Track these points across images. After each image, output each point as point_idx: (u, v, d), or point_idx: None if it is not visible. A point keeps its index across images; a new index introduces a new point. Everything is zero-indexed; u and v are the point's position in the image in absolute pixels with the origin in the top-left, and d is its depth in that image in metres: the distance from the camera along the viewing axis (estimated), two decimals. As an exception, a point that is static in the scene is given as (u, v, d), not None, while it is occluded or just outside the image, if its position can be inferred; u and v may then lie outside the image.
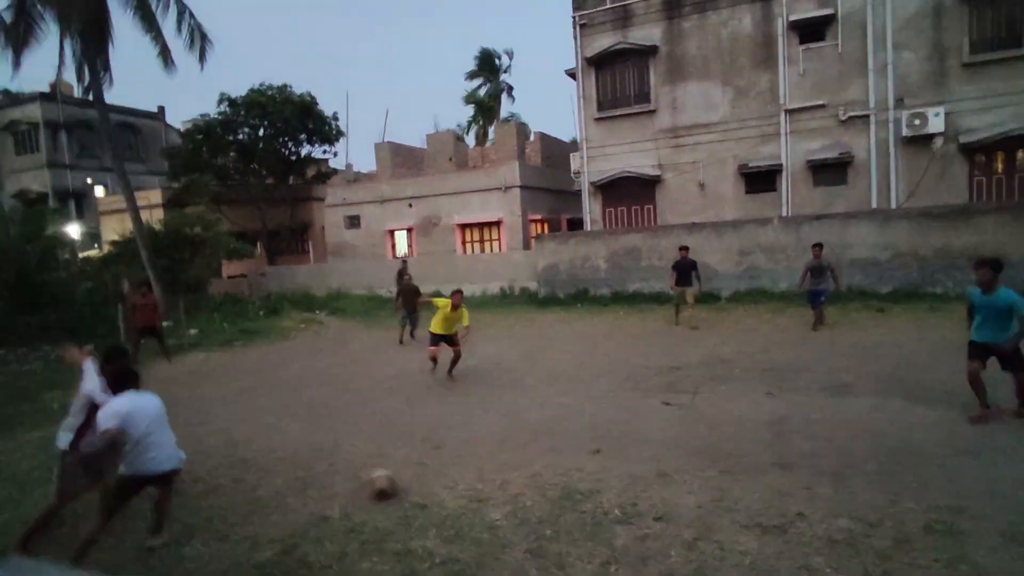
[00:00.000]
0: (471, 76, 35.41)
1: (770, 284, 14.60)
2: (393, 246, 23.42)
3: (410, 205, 22.52)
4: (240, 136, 24.88)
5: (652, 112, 17.72)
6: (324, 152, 27.16)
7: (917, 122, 14.59)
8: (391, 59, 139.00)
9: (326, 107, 26.00)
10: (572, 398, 7.45)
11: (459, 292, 8.67)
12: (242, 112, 24.20)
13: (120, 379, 4.11)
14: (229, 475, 5.43)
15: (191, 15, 16.53)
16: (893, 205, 15.04)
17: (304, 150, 26.43)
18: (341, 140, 26.82)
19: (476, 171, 22.58)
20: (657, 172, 17.68)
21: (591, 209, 18.77)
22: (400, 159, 25.45)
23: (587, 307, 15.56)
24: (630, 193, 18.26)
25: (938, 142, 14.71)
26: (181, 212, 21.27)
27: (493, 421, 6.68)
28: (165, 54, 16.40)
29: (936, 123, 14.43)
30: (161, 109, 35.20)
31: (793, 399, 6.76)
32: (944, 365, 7.59)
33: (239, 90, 25.09)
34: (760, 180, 16.72)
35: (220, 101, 24.27)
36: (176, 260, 18.96)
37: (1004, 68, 14.21)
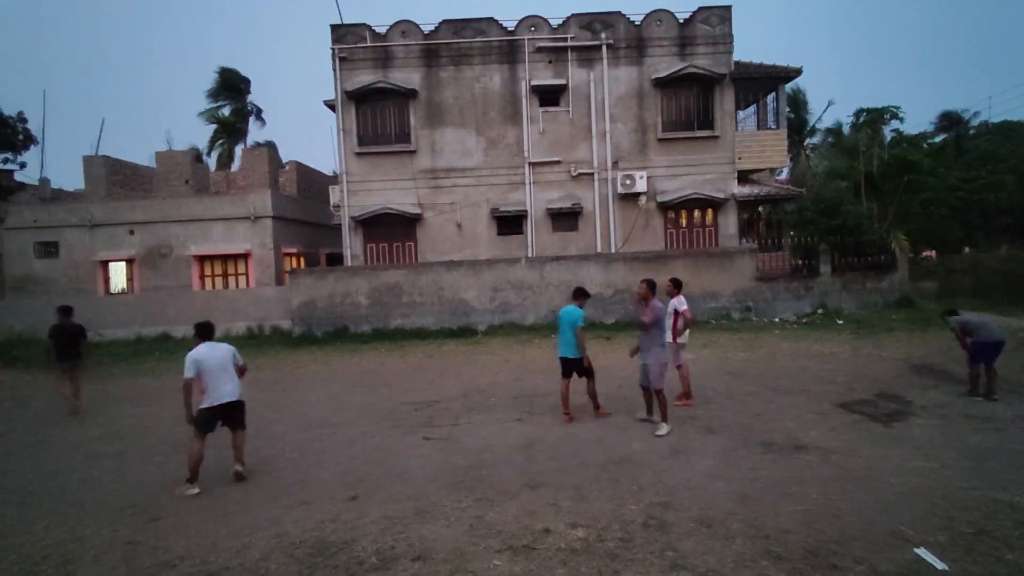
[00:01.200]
0: (212, 95, 32.01)
1: (519, 318, 15.95)
2: (107, 280, 19.47)
3: (131, 232, 19.09)
4: None
5: (413, 152, 18.22)
6: (5, 161, 21.45)
7: (628, 182, 17.73)
8: (111, 63, 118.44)
9: (11, 107, 20.71)
10: (327, 442, 6.95)
11: None
12: None
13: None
14: None
15: None
16: (613, 250, 17.87)
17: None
18: (32, 148, 21.53)
19: (220, 197, 20.26)
20: (418, 210, 18.13)
21: (352, 244, 18.31)
22: (120, 178, 21.50)
23: (347, 345, 14.93)
24: (392, 230, 18.34)
25: (643, 199, 18.08)
26: None
27: (230, 480, 5.83)
28: None
29: (641, 184, 17.73)
30: None
31: (541, 422, 7.36)
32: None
33: None
34: (510, 223, 18.35)
35: None
36: None
37: (685, 144, 18.22)
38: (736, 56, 18.31)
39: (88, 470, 6.37)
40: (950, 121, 38.34)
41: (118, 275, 19.63)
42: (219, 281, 19.53)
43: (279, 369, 12.34)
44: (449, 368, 11.68)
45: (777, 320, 15.58)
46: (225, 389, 5.75)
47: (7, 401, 10.50)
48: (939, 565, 3.65)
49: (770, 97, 20.06)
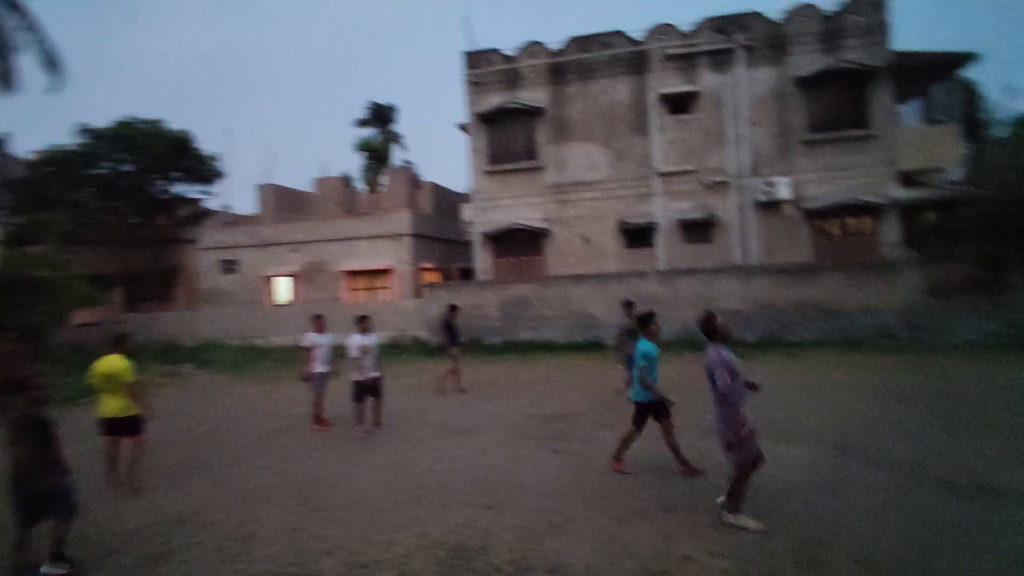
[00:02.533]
0: (361, 124, 35.31)
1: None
2: (272, 292, 22.06)
3: (294, 250, 21.48)
4: (101, 170, 22.54)
5: (540, 168, 18.57)
6: (201, 192, 25.33)
7: (769, 189, 16.55)
8: (275, 102, 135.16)
9: (204, 148, 24.44)
10: (463, 450, 7.22)
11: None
12: (105, 145, 22.02)
13: None
14: (54, 559, 4.57)
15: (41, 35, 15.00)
16: (752, 262, 16.74)
17: (176, 189, 24.47)
18: (219, 181, 25.23)
19: (367, 217, 22.15)
20: (545, 225, 18.40)
21: (482, 259, 19.02)
22: (284, 202, 24.39)
23: (478, 356, 15.47)
24: (520, 244, 18.78)
25: (786, 208, 16.75)
26: (23, 251, 18.57)
27: (379, 477, 6.28)
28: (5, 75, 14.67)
29: (784, 191, 16.46)
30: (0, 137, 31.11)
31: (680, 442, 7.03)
32: (806, 407, 8.38)
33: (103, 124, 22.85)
34: (638, 236, 17.94)
35: (80, 131, 21.95)
36: (14, 305, 16.37)
37: (835, 146, 16.65)
38: (894, 45, 16.42)
39: (263, 460, 7.19)
40: None
41: (283, 289, 22.15)
42: (365, 294, 21.27)
43: (419, 377, 13.09)
44: (577, 381, 11.63)
45: (955, 341, 13.55)
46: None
47: (198, 394, 12.25)
48: None
49: (939, 88, 17.71)
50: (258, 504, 5.63)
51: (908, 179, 16.61)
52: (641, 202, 17.90)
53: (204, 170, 24.34)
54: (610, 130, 18.18)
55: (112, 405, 6.16)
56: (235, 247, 22.20)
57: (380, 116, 35.26)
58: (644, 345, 5.95)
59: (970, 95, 27.23)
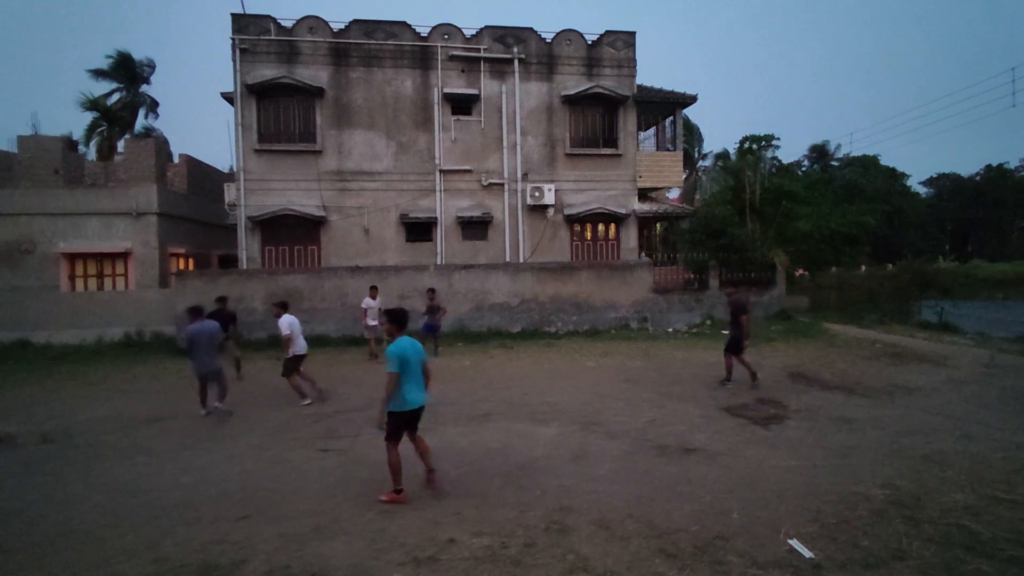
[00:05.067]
0: (98, 74, 28.98)
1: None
2: (-50, 278, 16.96)
3: (-16, 224, 16.80)
4: None
5: (318, 152, 17.55)
6: None
7: (537, 194, 18.15)
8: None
9: None
10: (212, 457, 6.46)
11: None
12: None
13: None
14: None
15: None
16: (521, 260, 18.17)
17: None
18: None
19: (97, 190, 18.32)
20: (322, 213, 17.46)
21: (248, 246, 17.26)
22: (-30, 162, 18.88)
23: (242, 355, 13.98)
24: (293, 232, 17.50)
25: (551, 212, 18.57)
26: None
27: (99, 500, 5.27)
28: None
29: (549, 196, 18.21)
30: None
31: (444, 431, 7.29)
32: (558, 390, 9.39)
33: None
34: (419, 230, 18.14)
35: None
36: None
37: (591, 161, 18.96)
38: (639, 80, 19.37)
39: None
40: (819, 152, 42.85)
41: (-36, 273, 17.16)
42: (93, 282, 17.63)
43: (158, 381, 11.33)
44: (348, 376, 11.29)
45: (671, 330, 16.54)
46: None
47: None
48: (807, 554, 4.01)
49: (668, 121, 21.40)
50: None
51: (643, 194, 19.74)
52: (423, 197, 18.10)
53: None
54: (394, 122, 17.99)
55: None
56: None
57: (127, 70, 29.27)
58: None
59: (688, 129, 33.47)
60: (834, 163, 42.81)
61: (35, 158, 18.67)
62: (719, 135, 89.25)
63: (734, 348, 9.87)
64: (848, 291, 21.32)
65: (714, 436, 6.89)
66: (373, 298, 12.89)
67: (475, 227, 18.42)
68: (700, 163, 36.09)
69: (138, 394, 10.02)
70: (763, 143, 27.39)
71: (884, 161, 42.62)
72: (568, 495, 5.14)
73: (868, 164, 41.05)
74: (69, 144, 22.92)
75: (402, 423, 5.15)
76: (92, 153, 26.93)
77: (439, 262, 17.68)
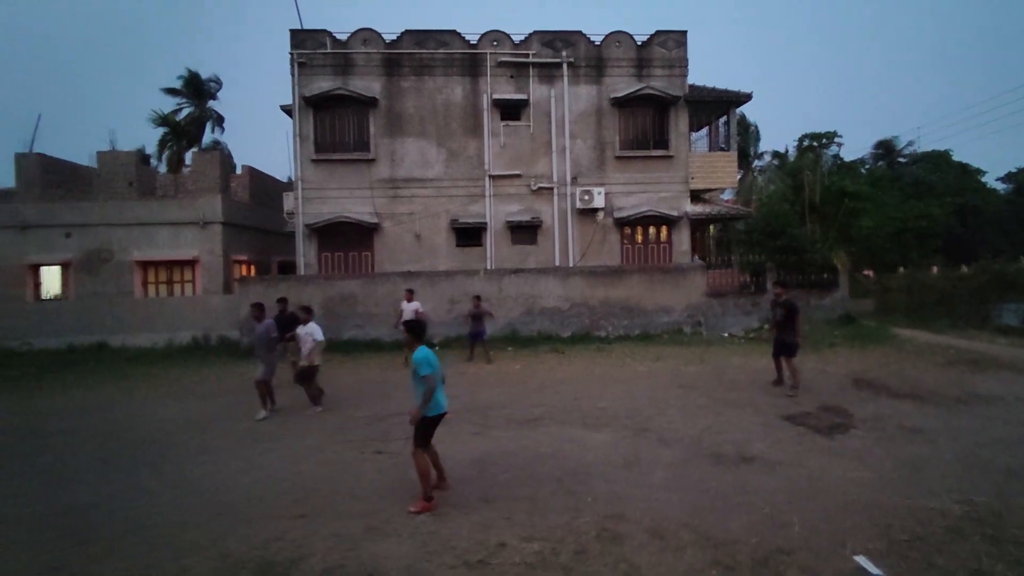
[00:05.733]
0: (170, 92, 30.86)
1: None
2: (38, 285, 18.35)
3: (68, 235, 18.08)
4: None
5: (371, 161, 18.01)
6: (-71, 156, 20.05)
7: (586, 197, 18.01)
8: (52, 57, 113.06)
9: None
10: (272, 457, 6.70)
11: None
12: None
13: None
14: None
15: None
16: (571, 264, 18.06)
17: None
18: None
19: (167, 201, 19.45)
20: (375, 220, 17.89)
21: (305, 253, 17.88)
22: (55, 177, 20.37)
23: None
24: (348, 239, 18.02)
25: (600, 215, 18.38)
26: None
27: (169, 497, 5.55)
28: None
29: (599, 200, 18.03)
30: None
31: (494, 435, 7.31)
32: (610, 395, 9.26)
33: None
34: (469, 235, 18.32)
35: None
36: None
37: (641, 163, 18.67)
38: (692, 79, 18.96)
39: (11, 488, 5.91)
40: (885, 149, 40.71)
41: (51, 280, 18.52)
42: (163, 288, 18.69)
43: (223, 382, 11.86)
44: (403, 381, 11.45)
45: (726, 335, 16.04)
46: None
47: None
48: (875, 571, 3.79)
49: (721, 120, 20.84)
50: (4, 543, 4.63)
51: (696, 196, 19.27)
52: (473, 202, 18.28)
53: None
54: (444, 129, 18.27)
55: None
56: (-18, 228, 18.00)
57: (195, 87, 31.06)
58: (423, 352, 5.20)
59: (743, 128, 32.49)
60: (901, 159, 40.63)
61: (112, 172, 19.99)
62: (777, 133, 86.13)
63: (787, 351, 9.49)
64: (918, 293, 20.09)
65: (773, 445, 6.62)
66: (409, 301, 12.79)
67: (524, 231, 18.44)
68: (756, 163, 34.99)
69: (205, 396, 10.51)
70: (824, 141, 26.29)
71: (956, 156, 40.12)
72: (620, 502, 5.04)
73: (939, 160, 38.70)
74: (142, 158, 24.44)
75: (433, 426, 5.21)
76: (163, 166, 28.62)
77: (489, 267, 17.79)
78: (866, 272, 25.25)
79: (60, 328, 16.03)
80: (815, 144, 26.63)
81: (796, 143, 33.00)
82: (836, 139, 31.07)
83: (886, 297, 20.98)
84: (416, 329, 5.40)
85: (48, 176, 19.74)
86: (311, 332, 9.02)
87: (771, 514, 4.73)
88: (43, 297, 18.19)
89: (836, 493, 5.15)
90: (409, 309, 12.53)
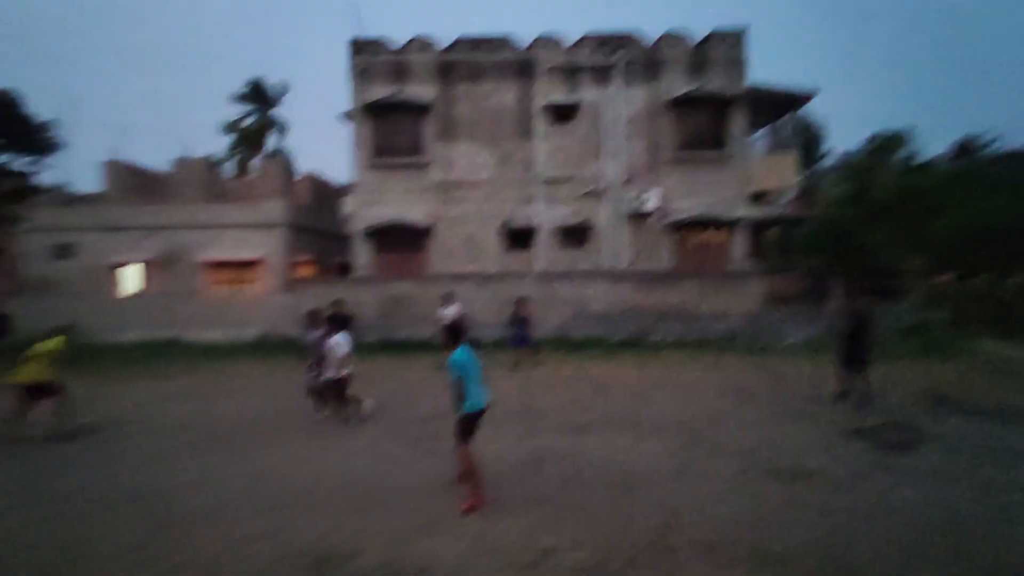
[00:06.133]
0: (237, 100, 32.60)
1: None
2: (120, 283, 19.69)
3: (147, 236, 19.33)
4: None
5: (425, 165, 18.39)
6: (30, 166, 21.79)
7: (639, 201, 17.77)
8: (135, 72, 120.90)
9: (44, 116, 21.02)
10: (332, 453, 6.96)
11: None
12: None
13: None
14: None
15: None
16: (622, 268, 17.86)
17: (-2, 159, 20.86)
18: (55, 154, 21.92)
19: (234, 204, 20.52)
20: (428, 223, 18.26)
21: (362, 254, 18.44)
22: (137, 182, 21.88)
23: (353, 355, 14.94)
24: (402, 241, 18.46)
25: (653, 218, 18.09)
26: None
27: (237, 486, 5.86)
28: None
29: (652, 203, 17.76)
30: None
31: (543, 439, 7.33)
32: (661, 403, 9.12)
33: None
34: (519, 238, 18.41)
35: None
36: None
37: (697, 165, 18.26)
38: (750, 79, 18.40)
39: (102, 470, 6.40)
40: (966, 148, 38.18)
41: (132, 278, 19.85)
42: (230, 287, 19.69)
43: (285, 377, 12.37)
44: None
45: (786, 344, 15.46)
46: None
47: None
48: (949, 600, 3.59)
49: (782, 120, 20.12)
50: (91, 522, 5.01)
51: (755, 198, 18.68)
52: (523, 205, 18.38)
53: (35, 140, 21.03)
54: (496, 133, 18.46)
55: None
56: (74, 230, 19.51)
57: (260, 95, 32.71)
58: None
59: (806, 127, 31.23)
60: (984, 158, 37.98)
61: (186, 177, 21.27)
62: (844, 132, 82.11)
63: (856, 364, 9.06)
64: (1001, 303, 18.72)
65: (835, 460, 6.35)
66: (446, 306, 12.70)
67: (575, 235, 18.38)
68: (821, 164, 33.55)
69: (268, 390, 11.01)
70: (896, 140, 24.90)
71: (1048, 154, 37.12)
72: (672, 513, 4.97)
73: (1026, 158, 35.93)
74: (212, 164, 25.82)
75: (475, 423, 5.33)
76: (231, 171, 30.16)
77: (539, 270, 17.83)
78: (942, 279, 23.73)
79: (139, 323, 17.14)
80: (887, 144, 25.26)
81: (866, 143, 31.44)
82: (910, 138, 29.37)
83: (965, 306, 19.65)
84: (454, 332, 5.57)
85: (130, 181, 21.19)
86: (338, 344, 8.64)
87: (831, 533, 4.55)
88: (125, 294, 19.51)
89: (905, 514, 4.90)
90: (448, 315, 12.54)
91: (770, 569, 3.99)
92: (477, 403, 5.31)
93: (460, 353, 5.33)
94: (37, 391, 7.92)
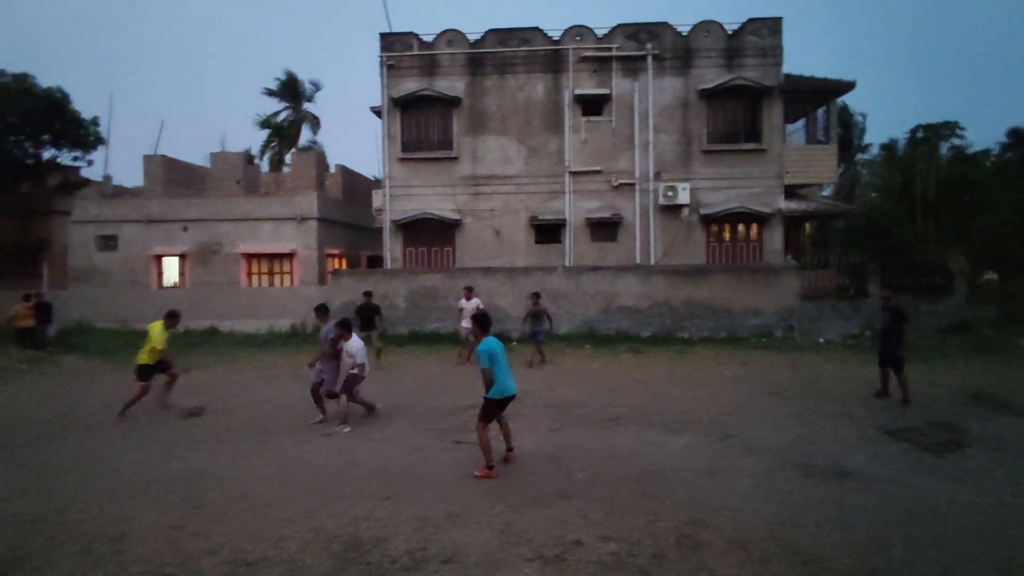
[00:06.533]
0: (269, 94, 33.23)
1: (554, 327, 15.82)
2: (160, 273, 20.33)
3: (185, 228, 19.89)
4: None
5: (454, 159, 18.45)
6: (76, 159, 22.69)
7: (670, 193, 17.51)
8: (172, 67, 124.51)
9: (86, 111, 21.85)
10: (360, 440, 7.08)
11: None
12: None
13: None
14: None
15: None
16: (652, 262, 17.64)
17: (47, 154, 21.77)
18: (99, 148, 22.74)
19: (269, 198, 20.96)
20: (457, 216, 18.33)
21: (392, 247, 18.63)
22: (176, 176, 22.51)
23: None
24: (431, 234, 18.58)
25: (685, 211, 17.80)
26: None
27: (270, 471, 6.00)
28: None
29: (684, 196, 17.47)
30: None
31: (572, 432, 7.31)
32: (692, 399, 9.00)
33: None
34: (548, 232, 18.35)
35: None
36: None
37: (730, 157, 17.88)
38: (786, 69, 17.91)
39: (139, 454, 6.64)
40: (1019, 138, 36.43)
41: (171, 270, 20.47)
42: (265, 279, 20.15)
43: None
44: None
45: (822, 340, 15.06)
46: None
47: (65, 381, 11.07)
48: (992, 606, 3.45)
49: (820, 111, 19.54)
50: (132, 501, 5.21)
51: (790, 192, 18.21)
52: (552, 199, 18.29)
53: (81, 135, 21.82)
54: (525, 126, 18.39)
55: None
56: (116, 222, 20.20)
57: (292, 90, 33.29)
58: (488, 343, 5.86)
59: (845, 119, 30.25)
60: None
61: (222, 171, 21.80)
62: (886, 123, 79.28)
63: (894, 362, 8.80)
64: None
65: (872, 460, 6.17)
66: (468, 299, 12.58)
67: (604, 228, 18.22)
68: (860, 156, 32.50)
69: (301, 380, 11.22)
70: (942, 132, 23.86)
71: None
72: (701, 509, 4.90)
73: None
74: (248, 158, 26.40)
75: (498, 408, 5.89)
76: (265, 165, 30.80)
77: (567, 263, 17.75)
78: (988, 276, 22.80)
79: (181, 312, 17.65)
80: (931, 135, 24.26)
81: (908, 134, 30.28)
82: (957, 130, 28.13)
83: (1013, 304, 18.83)
84: (483, 322, 6.06)
85: (170, 175, 21.83)
86: (351, 352, 7.77)
87: (868, 534, 4.42)
88: (165, 285, 20.14)
89: (944, 517, 4.73)
90: (469, 307, 12.26)
91: (802, 568, 3.91)
92: (504, 390, 5.81)
93: (488, 342, 5.81)
94: (158, 368, 8.62)
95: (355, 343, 7.78)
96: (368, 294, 13.02)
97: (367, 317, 12.26)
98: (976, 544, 4.25)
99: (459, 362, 12.50)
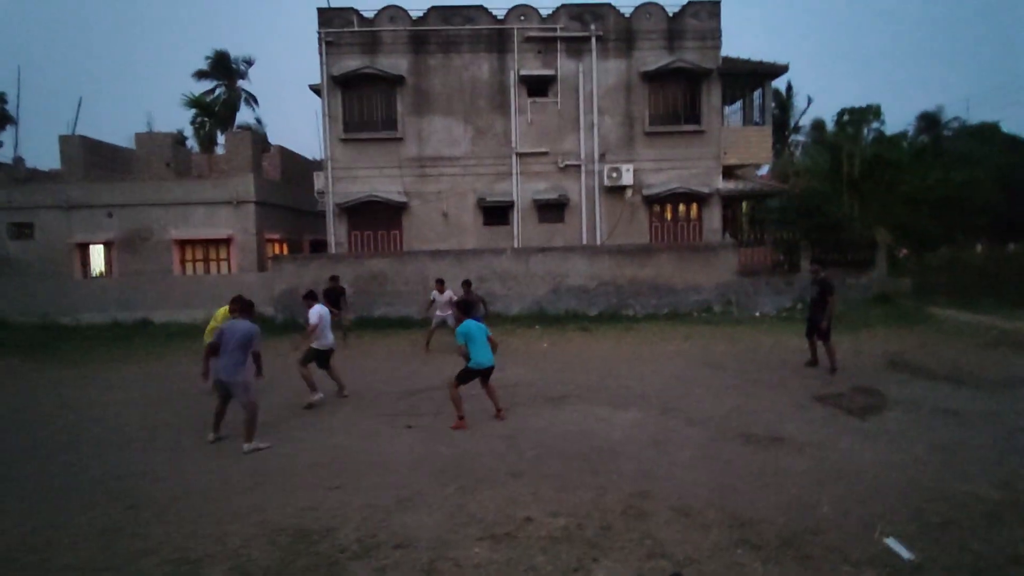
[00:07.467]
0: (199, 76, 31.44)
1: (504, 308, 15.93)
2: (85, 263, 19.08)
3: (110, 214, 18.69)
4: None
5: (399, 139, 18.06)
6: (-21, 139, 20.84)
7: (615, 175, 17.77)
8: (92, 42, 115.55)
9: None
10: (308, 431, 6.93)
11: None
12: None
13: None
14: None
15: None
16: (598, 242, 17.92)
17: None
18: (7, 128, 20.95)
19: (202, 181, 19.90)
20: (404, 199, 18.01)
21: (336, 231, 18.14)
22: (98, 159, 21.02)
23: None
24: (377, 218, 18.19)
25: (629, 192, 18.13)
26: None
27: (213, 467, 5.80)
28: None
29: (627, 177, 17.77)
30: None
31: (521, 412, 7.40)
32: (637, 375, 9.26)
33: None
34: (496, 214, 18.30)
35: None
36: None
37: (671, 139, 18.28)
38: (724, 52, 18.38)
39: (68, 455, 6.28)
40: (929, 122, 38.93)
41: (97, 259, 19.23)
42: (200, 266, 19.24)
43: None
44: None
45: (758, 314, 15.79)
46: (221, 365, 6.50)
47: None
48: (906, 555, 3.76)
49: (756, 93, 20.20)
50: (60, 506, 4.92)
51: (728, 172, 18.82)
52: (500, 181, 18.22)
53: (-15, 113, 20.07)
54: (472, 106, 18.17)
55: None
56: (31, 208, 18.76)
57: (224, 68, 31.54)
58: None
59: (782, 101, 31.45)
60: (947, 132, 38.79)
61: (150, 153, 20.53)
62: (817, 105, 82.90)
63: (820, 332, 9.33)
64: (960, 273, 19.34)
65: (804, 426, 6.56)
66: (440, 292, 12.82)
67: (552, 210, 18.34)
68: (794, 137, 33.92)
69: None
70: (865, 115, 25.22)
71: (1007, 129, 38.01)
72: (647, 480, 5.08)
73: (988, 133, 36.80)
74: (178, 139, 24.96)
75: (473, 376, 6.95)
76: (197, 147, 29.20)
77: (516, 245, 17.79)
78: (904, 252, 24.42)
79: (106, 304, 16.67)
80: (856, 118, 25.61)
81: (834, 117, 31.82)
82: (878, 112, 29.80)
83: (926, 277, 20.26)
84: (464, 307, 7.57)
85: (91, 158, 20.37)
86: (310, 317, 8.44)
87: (800, 495, 4.71)
88: (90, 275, 18.92)
89: (867, 475, 5.09)
90: (443, 299, 12.57)
91: (740, 530, 4.13)
92: (480, 362, 6.86)
93: (467, 324, 6.94)
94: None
95: (316, 308, 8.45)
96: (335, 278, 13.51)
97: (334, 300, 12.54)
98: (896, 498, 4.60)
99: (427, 351, 12.37)
